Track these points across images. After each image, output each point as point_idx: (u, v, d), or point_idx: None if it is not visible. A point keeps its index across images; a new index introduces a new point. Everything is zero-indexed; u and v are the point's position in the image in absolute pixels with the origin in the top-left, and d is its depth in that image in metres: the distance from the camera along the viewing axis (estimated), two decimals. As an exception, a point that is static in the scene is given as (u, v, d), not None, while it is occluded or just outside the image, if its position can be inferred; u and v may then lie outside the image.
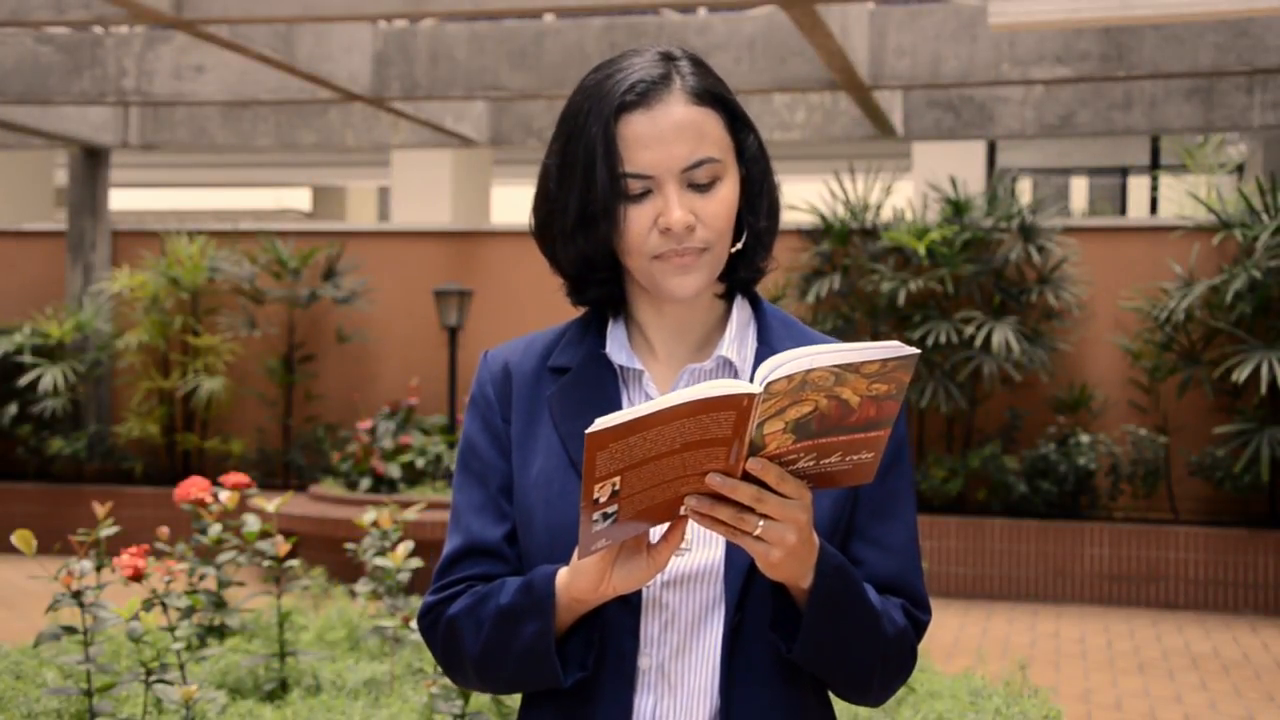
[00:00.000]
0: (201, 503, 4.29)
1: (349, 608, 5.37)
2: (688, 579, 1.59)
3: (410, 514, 4.47)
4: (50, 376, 10.06)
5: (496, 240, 10.48)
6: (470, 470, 1.69)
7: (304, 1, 6.53)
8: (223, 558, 4.38)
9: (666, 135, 1.55)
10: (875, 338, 9.24)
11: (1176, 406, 9.07)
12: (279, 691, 4.24)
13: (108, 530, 3.71)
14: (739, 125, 1.62)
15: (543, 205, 1.64)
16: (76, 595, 3.42)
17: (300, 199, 22.21)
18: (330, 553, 7.68)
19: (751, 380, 1.39)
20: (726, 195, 1.59)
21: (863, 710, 3.89)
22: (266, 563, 4.22)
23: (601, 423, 1.33)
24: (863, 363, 1.37)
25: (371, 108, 9.37)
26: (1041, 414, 9.26)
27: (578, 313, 1.73)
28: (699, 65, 1.61)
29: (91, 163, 10.75)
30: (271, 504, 4.27)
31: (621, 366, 1.67)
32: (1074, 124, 9.27)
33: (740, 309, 1.68)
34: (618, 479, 1.37)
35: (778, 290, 9.48)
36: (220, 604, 4.43)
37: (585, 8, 6.82)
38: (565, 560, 1.57)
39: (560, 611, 1.56)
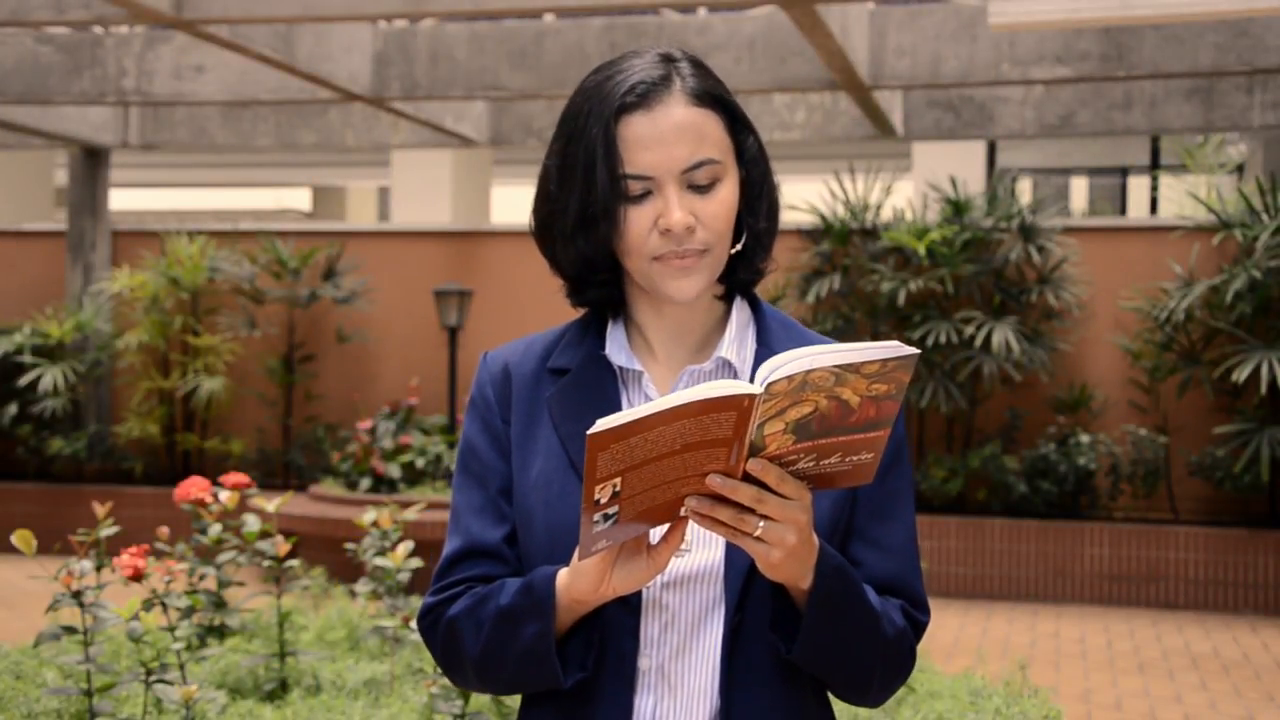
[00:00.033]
0: (201, 503, 4.29)
1: (349, 608, 5.37)
2: (688, 580, 1.59)
3: (410, 514, 4.47)
4: (50, 376, 10.06)
5: (496, 240, 10.48)
6: (470, 472, 1.70)
7: (304, 1, 6.53)
8: (223, 558, 4.38)
9: (667, 136, 1.55)
10: (875, 338, 9.24)
11: (1176, 406, 9.07)
12: (279, 691, 4.25)
13: (108, 530, 3.71)
14: (739, 127, 1.62)
15: (543, 206, 1.64)
16: (76, 595, 3.42)
17: (300, 199, 22.21)
18: (330, 553, 7.69)
19: (752, 381, 1.40)
20: (726, 196, 1.59)
21: (863, 710, 3.89)
22: (266, 563, 4.22)
23: (602, 424, 1.33)
24: (863, 363, 1.37)
25: (371, 108, 9.37)
26: (1041, 414, 9.26)
27: (578, 314, 1.73)
28: (699, 67, 1.61)
29: (91, 163, 10.75)
30: (271, 504, 4.27)
31: (621, 368, 1.67)
32: (1074, 124, 9.27)
33: (740, 310, 1.69)
34: (618, 480, 1.37)
35: (778, 290, 9.48)
36: (220, 604, 4.43)
37: (585, 8, 6.82)
38: (565, 561, 1.57)
39: (560, 612, 1.56)
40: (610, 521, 1.41)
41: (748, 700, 1.59)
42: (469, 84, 8.29)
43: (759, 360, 1.64)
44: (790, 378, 1.35)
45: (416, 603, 4.46)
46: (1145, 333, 9.03)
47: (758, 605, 1.58)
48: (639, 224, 1.57)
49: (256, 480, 7.63)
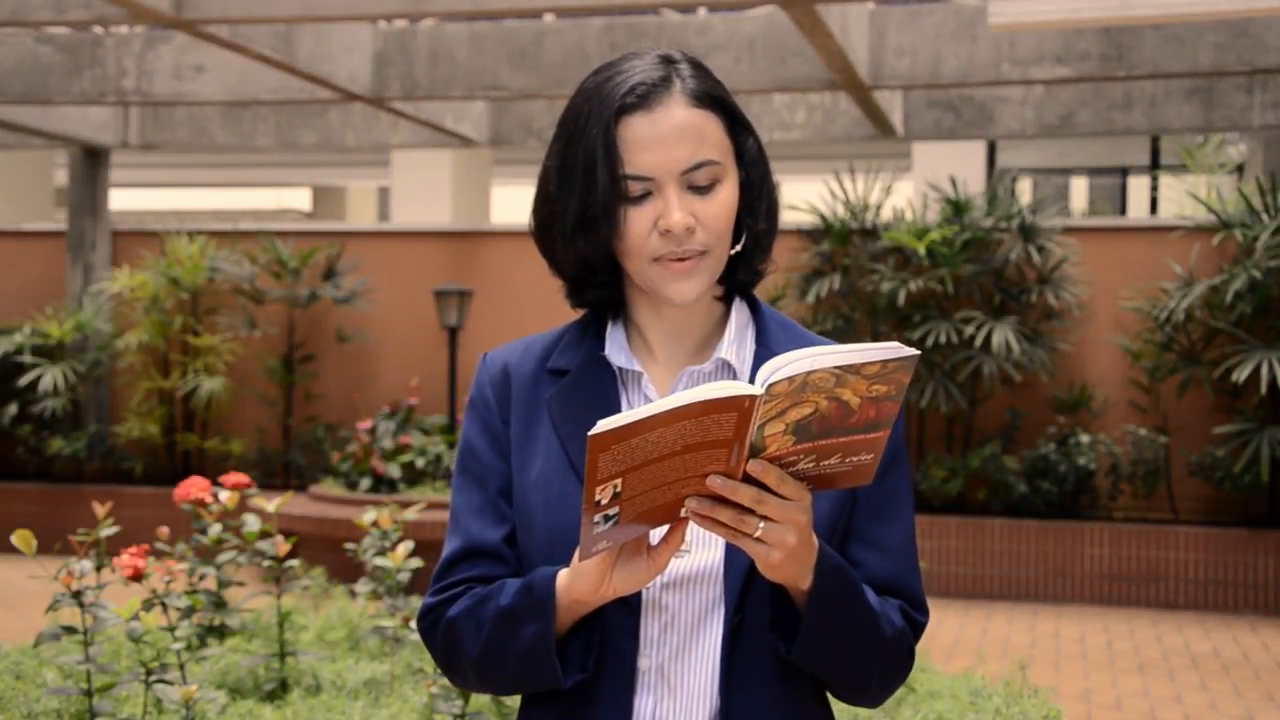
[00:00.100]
0: (201, 503, 4.29)
1: (349, 608, 5.37)
2: (687, 580, 1.59)
3: (410, 514, 4.47)
4: (50, 376, 10.06)
5: (496, 240, 10.48)
6: (469, 472, 1.70)
7: (304, 1, 6.53)
8: (223, 558, 4.38)
9: (667, 137, 1.56)
10: (875, 338, 9.24)
11: (1176, 406, 9.07)
12: (279, 691, 4.25)
13: (108, 530, 3.71)
14: (738, 128, 1.63)
15: (543, 207, 1.65)
16: (76, 595, 3.42)
17: (300, 199, 22.21)
18: (330, 553, 7.69)
19: (752, 382, 1.40)
20: (726, 198, 1.59)
21: (862, 710, 3.89)
22: (266, 563, 4.22)
23: (604, 425, 1.33)
24: (863, 364, 1.37)
25: (371, 108, 9.37)
26: (1041, 414, 9.26)
27: (577, 314, 1.73)
28: (698, 68, 1.62)
29: (91, 163, 10.75)
30: (271, 504, 4.27)
31: (620, 368, 1.67)
32: (1074, 124, 9.27)
33: (739, 311, 1.69)
34: (619, 481, 1.37)
35: (778, 290, 9.48)
36: (220, 604, 4.43)
37: (585, 8, 6.82)
38: (565, 561, 1.58)
39: (560, 613, 1.56)
40: (611, 522, 1.42)
41: (747, 700, 1.59)
42: (469, 84, 8.29)
43: (758, 361, 1.64)
44: (791, 379, 1.35)
45: (416, 603, 4.46)
46: (1145, 333, 9.03)
47: (757, 606, 1.58)
48: (639, 225, 1.57)
49: (256, 480, 7.63)
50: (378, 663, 4.52)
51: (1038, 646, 7.42)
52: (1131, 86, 9.08)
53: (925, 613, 1.68)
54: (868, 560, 1.65)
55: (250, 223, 11.40)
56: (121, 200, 17.94)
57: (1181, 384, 8.81)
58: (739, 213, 1.63)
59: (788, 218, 9.92)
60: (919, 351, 1.41)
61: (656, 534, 1.50)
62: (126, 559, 3.52)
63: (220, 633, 4.47)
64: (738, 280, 1.67)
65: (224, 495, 4.28)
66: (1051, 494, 8.78)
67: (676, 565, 1.58)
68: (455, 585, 1.66)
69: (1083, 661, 7.12)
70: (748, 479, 1.42)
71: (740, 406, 1.35)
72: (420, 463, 8.85)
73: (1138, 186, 16.44)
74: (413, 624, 4.10)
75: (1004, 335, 8.80)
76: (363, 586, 4.48)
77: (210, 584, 4.47)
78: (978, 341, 8.85)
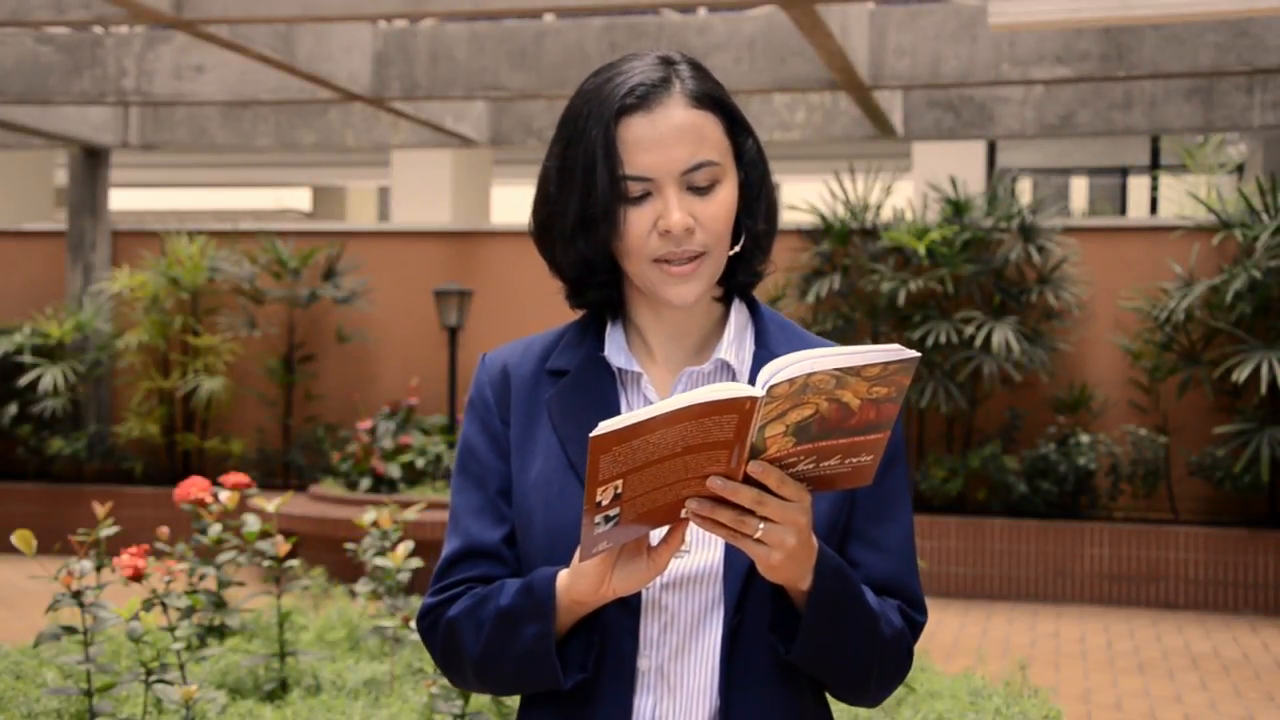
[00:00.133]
0: (201, 503, 4.30)
1: (349, 608, 5.37)
2: (687, 581, 1.60)
3: (410, 514, 4.47)
4: (50, 376, 10.06)
5: (496, 240, 10.48)
6: (469, 473, 1.70)
7: (304, 1, 6.53)
8: (223, 558, 4.38)
9: (666, 138, 1.56)
10: (875, 338, 9.25)
11: (1176, 406, 9.07)
12: (279, 691, 4.25)
13: (108, 530, 3.71)
14: (738, 129, 1.63)
15: (542, 208, 1.65)
16: (76, 595, 3.42)
17: (300, 199, 22.21)
18: (330, 553, 7.69)
19: (752, 383, 1.40)
20: (725, 198, 1.59)
21: (862, 710, 3.89)
22: (266, 563, 4.22)
23: (605, 426, 1.33)
24: (864, 366, 1.37)
25: (371, 108, 9.37)
26: (1041, 414, 9.26)
27: (577, 313, 1.74)
28: (698, 69, 1.62)
29: (91, 163, 10.75)
30: (271, 504, 4.28)
31: (620, 369, 1.67)
32: (1074, 124, 9.27)
33: (738, 312, 1.69)
34: (620, 482, 1.37)
35: (778, 290, 9.48)
36: (220, 604, 4.43)
37: (585, 8, 6.82)
38: (565, 562, 1.58)
39: (560, 613, 1.56)
40: (611, 523, 1.42)
41: (747, 701, 1.59)
42: (469, 84, 8.29)
43: (757, 362, 1.65)
44: (792, 381, 1.36)
45: (416, 603, 4.47)
46: (1145, 333, 9.03)
47: (757, 606, 1.58)
48: (638, 225, 1.58)
49: (256, 480, 7.64)
50: (378, 663, 4.52)
51: (1038, 646, 7.42)
52: (1131, 86, 9.08)
53: (924, 613, 1.68)
54: (866, 560, 1.65)
55: (250, 223, 11.40)
56: (121, 200, 17.94)
57: (1181, 384, 8.81)
58: (738, 213, 1.63)
59: (788, 218, 9.92)
60: (919, 354, 1.41)
61: (656, 535, 1.50)
62: (126, 559, 3.53)
63: (220, 633, 4.47)
64: (737, 281, 1.68)
65: (224, 495, 4.28)
66: (1051, 494, 8.78)
67: (676, 566, 1.58)
68: (455, 585, 1.66)
69: (1083, 661, 7.12)
70: (748, 480, 1.42)
71: (741, 408, 1.35)
72: (420, 463, 8.85)
73: (1138, 186, 16.44)
74: (413, 624, 4.10)
75: (1004, 335, 8.80)
76: (363, 586, 4.48)
77: (210, 584, 4.47)
78: (978, 341, 8.85)
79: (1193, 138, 11.48)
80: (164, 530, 4.19)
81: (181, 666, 3.58)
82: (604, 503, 1.39)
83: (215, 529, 4.33)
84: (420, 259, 10.50)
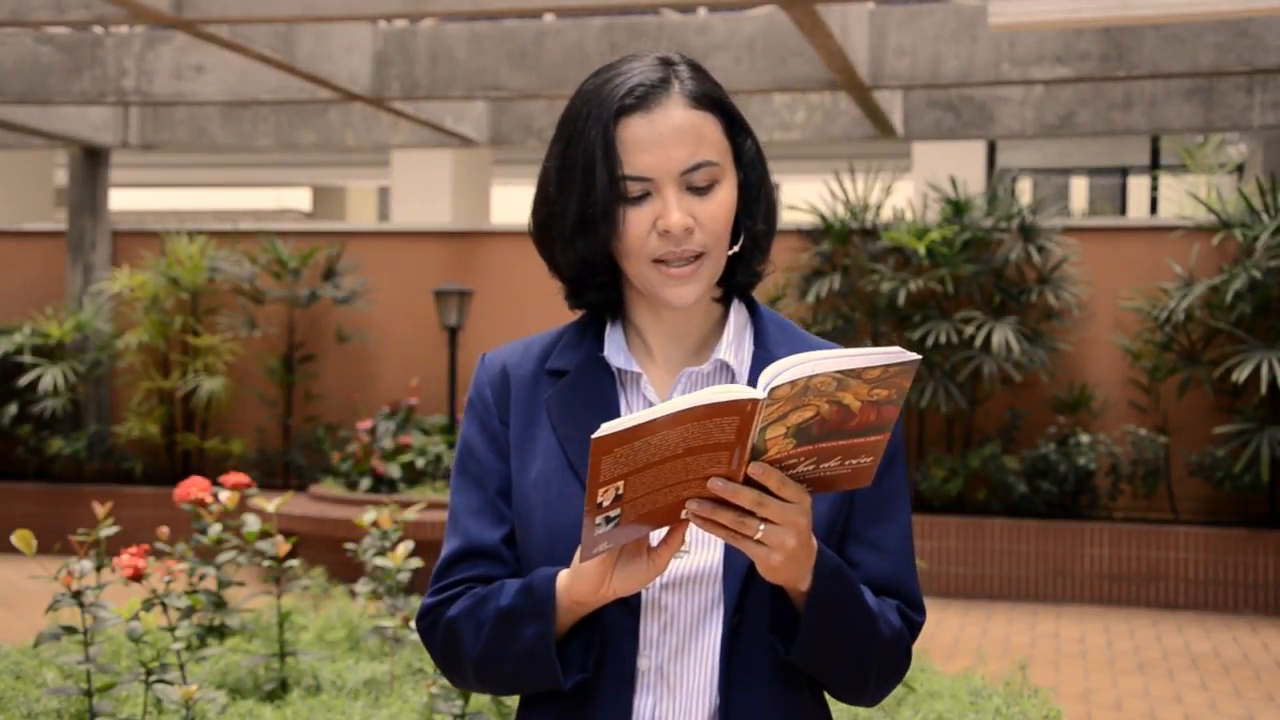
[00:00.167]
0: (201, 503, 4.30)
1: (349, 608, 5.38)
2: (687, 581, 1.60)
3: (410, 514, 4.47)
4: (50, 376, 10.06)
5: (496, 240, 10.48)
6: (468, 473, 1.70)
7: (304, 1, 6.53)
8: (223, 558, 4.38)
9: (666, 138, 1.56)
10: (875, 338, 9.25)
11: (1176, 406, 9.07)
12: (279, 691, 4.25)
13: (108, 530, 3.71)
14: (737, 130, 1.63)
15: (542, 208, 1.65)
16: (76, 595, 3.43)
17: (300, 199, 22.21)
18: (330, 553, 7.69)
19: (752, 384, 1.40)
20: (724, 199, 1.59)
21: (862, 710, 3.89)
22: (266, 563, 4.22)
23: (607, 428, 1.34)
24: (865, 368, 1.37)
25: (371, 108, 9.37)
26: (1041, 414, 9.26)
27: (577, 314, 1.74)
28: (697, 70, 1.62)
29: (91, 163, 10.75)
30: (271, 504, 4.28)
31: (619, 369, 1.67)
32: (1074, 124, 9.27)
33: (737, 312, 1.69)
34: (621, 483, 1.38)
35: (777, 290, 9.48)
36: (220, 604, 4.43)
37: (585, 8, 6.82)
38: (564, 562, 1.58)
39: (560, 614, 1.56)
40: (612, 524, 1.42)
41: (746, 701, 1.59)
42: (469, 84, 8.29)
43: (756, 362, 1.65)
44: (793, 383, 1.36)
45: (416, 603, 4.47)
46: (1145, 333, 9.03)
47: (756, 606, 1.58)
48: (638, 225, 1.58)
49: (256, 480, 7.64)
50: (378, 663, 4.53)
51: (1038, 646, 7.42)
52: (1131, 86, 9.08)
53: (922, 613, 1.69)
54: (865, 561, 1.65)
55: (250, 223, 11.40)
56: (121, 200, 17.94)
57: (1181, 384, 8.81)
58: (737, 214, 1.63)
59: (788, 218, 9.92)
60: (920, 356, 1.41)
61: (656, 535, 1.50)
62: (126, 559, 3.53)
63: (220, 633, 4.47)
64: (736, 281, 1.68)
65: (224, 495, 4.28)
66: (1051, 494, 8.78)
67: (676, 566, 1.58)
68: (454, 585, 1.66)
69: (1083, 661, 7.12)
70: (748, 482, 1.42)
71: (742, 410, 1.36)
72: (420, 463, 8.85)
73: (1138, 186, 16.44)
74: (413, 624, 4.10)
75: (1004, 335, 8.80)
76: (363, 586, 4.48)
77: (210, 584, 4.47)
78: (978, 341, 8.85)
79: (1193, 138, 11.48)
80: (164, 530, 4.19)
81: (181, 666, 3.59)
82: (605, 504, 1.39)
83: (215, 529, 4.33)
84: (420, 259, 10.50)
